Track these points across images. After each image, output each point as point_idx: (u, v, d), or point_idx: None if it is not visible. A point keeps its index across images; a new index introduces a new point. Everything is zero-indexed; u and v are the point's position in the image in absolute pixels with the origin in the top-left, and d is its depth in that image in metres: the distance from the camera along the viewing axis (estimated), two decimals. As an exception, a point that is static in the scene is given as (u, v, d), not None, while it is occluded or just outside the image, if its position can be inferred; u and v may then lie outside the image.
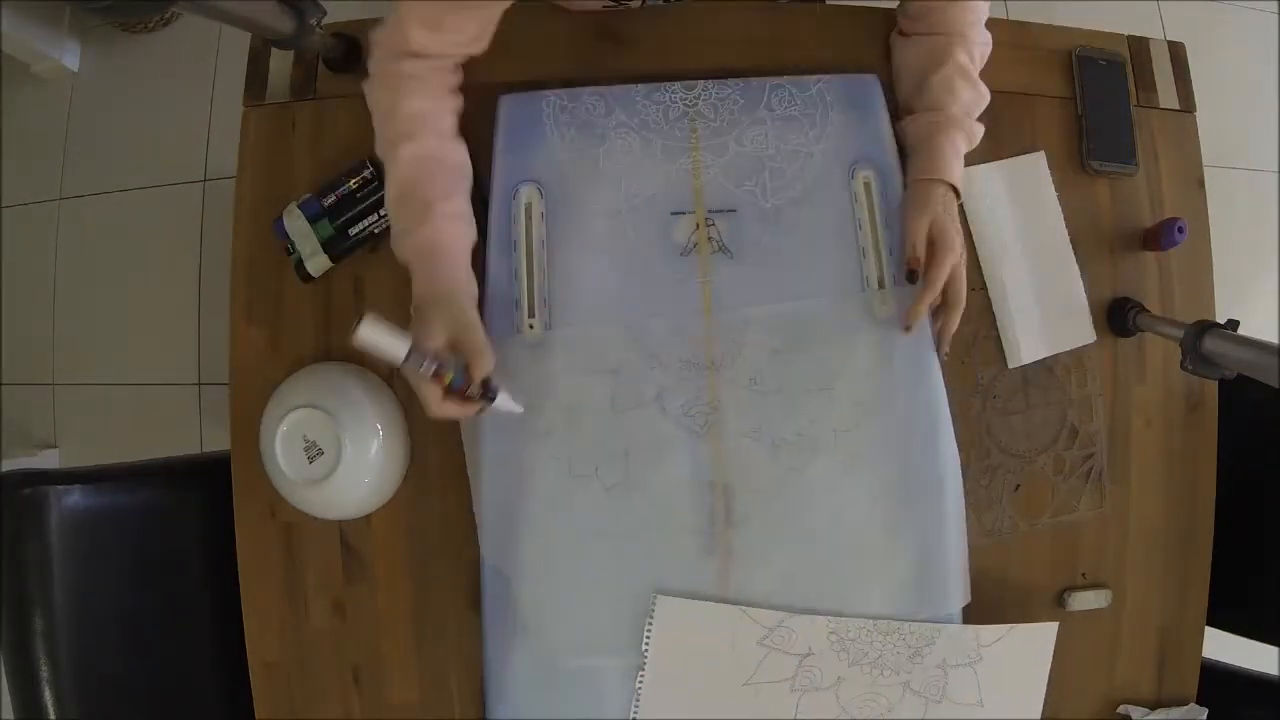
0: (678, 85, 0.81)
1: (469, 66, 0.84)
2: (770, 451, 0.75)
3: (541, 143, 0.79)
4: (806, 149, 0.80)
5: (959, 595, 0.76)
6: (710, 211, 0.79)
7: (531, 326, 0.76)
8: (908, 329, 0.75)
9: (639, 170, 0.79)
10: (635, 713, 0.75)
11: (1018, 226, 0.85)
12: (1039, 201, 0.85)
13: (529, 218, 0.78)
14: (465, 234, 0.73)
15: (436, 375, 0.64)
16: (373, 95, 0.75)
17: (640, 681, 0.75)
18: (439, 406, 0.67)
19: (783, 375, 0.76)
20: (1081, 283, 0.85)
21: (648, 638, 0.74)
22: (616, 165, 0.79)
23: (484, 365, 0.67)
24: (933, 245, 0.74)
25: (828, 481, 0.75)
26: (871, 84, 0.81)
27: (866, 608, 0.75)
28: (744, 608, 0.75)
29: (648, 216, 0.78)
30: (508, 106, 0.80)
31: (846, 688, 0.76)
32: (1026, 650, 0.79)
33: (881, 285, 0.77)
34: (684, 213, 0.79)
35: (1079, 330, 0.85)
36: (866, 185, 0.79)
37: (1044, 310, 0.84)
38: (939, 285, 0.73)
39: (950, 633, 0.76)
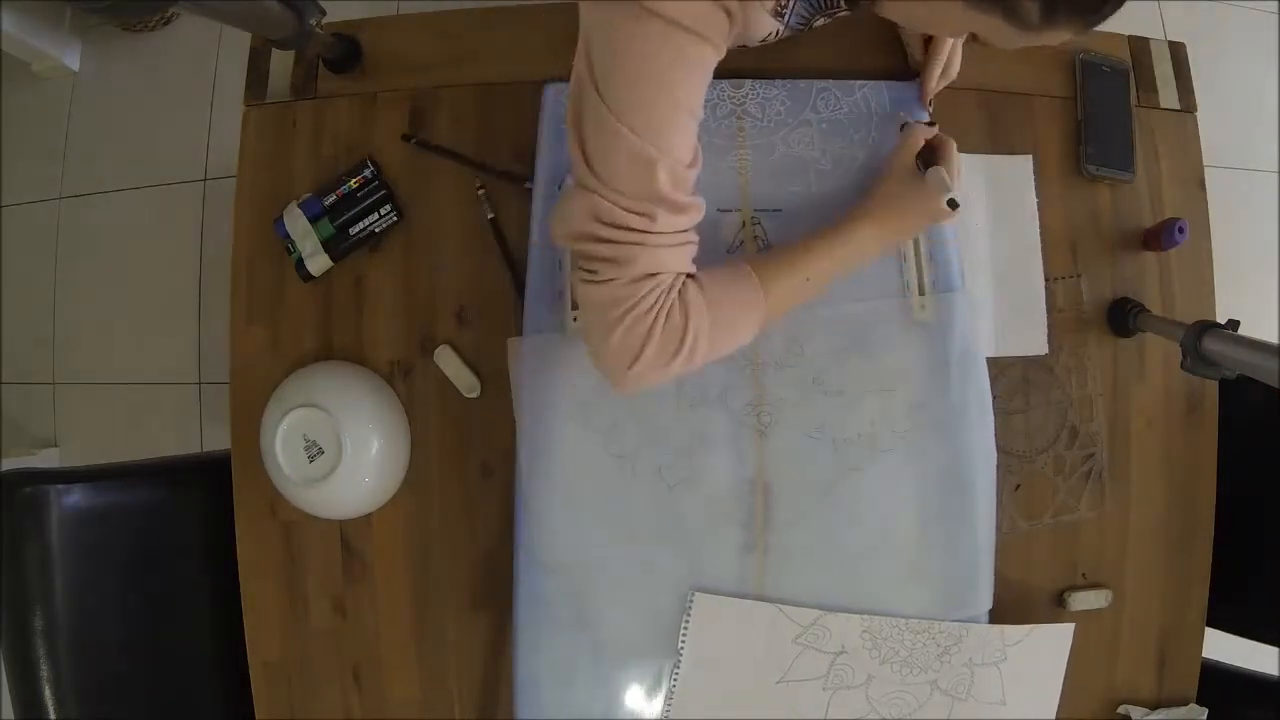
0: (725, 83, 0.79)
1: (466, 64, 0.84)
2: (831, 450, 0.75)
3: None
4: (851, 153, 0.79)
5: (987, 596, 0.76)
6: (756, 210, 0.78)
7: (576, 320, 0.76)
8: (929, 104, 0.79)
9: None
10: (669, 709, 0.75)
11: (989, 223, 0.84)
12: (1018, 205, 0.84)
13: None
14: None
15: None
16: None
17: (675, 678, 0.75)
18: None
19: (845, 375, 0.76)
20: (1044, 295, 0.83)
21: (684, 634, 0.74)
22: None
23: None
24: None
25: (884, 482, 0.75)
26: (913, 90, 0.80)
27: (901, 607, 0.75)
28: (781, 606, 0.75)
29: None
30: (553, 97, 0.79)
31: (876, 686, 0.76)
32: (1046, 650, 0.79)
33: (922, 291, 0.77)
34: (731, 210, 0.78)
35: (1032, 339, 0.83)
36: None
37: (998, 310, 0.83)
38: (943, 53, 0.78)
39: (977, 632, 0.76)
